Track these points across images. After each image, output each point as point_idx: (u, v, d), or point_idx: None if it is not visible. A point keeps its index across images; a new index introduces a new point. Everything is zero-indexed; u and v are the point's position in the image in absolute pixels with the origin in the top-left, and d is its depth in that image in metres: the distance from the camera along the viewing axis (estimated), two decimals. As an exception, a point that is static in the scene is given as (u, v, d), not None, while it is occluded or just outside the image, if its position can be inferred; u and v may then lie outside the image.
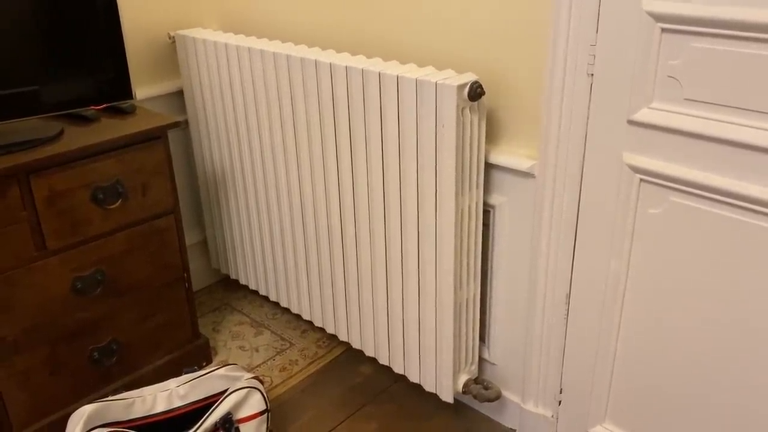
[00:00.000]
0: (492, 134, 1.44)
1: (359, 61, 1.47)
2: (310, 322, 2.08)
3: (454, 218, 1.38)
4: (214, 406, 1.44)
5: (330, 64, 1.49)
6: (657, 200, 1.20)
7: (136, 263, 1.64)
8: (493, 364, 1.65)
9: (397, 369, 1.69)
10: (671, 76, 1.11)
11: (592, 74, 1.21)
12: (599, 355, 1.40)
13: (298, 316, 2.11)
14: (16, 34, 1.39)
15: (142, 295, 1.68)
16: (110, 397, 1.46)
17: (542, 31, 1.28)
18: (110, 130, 1.54)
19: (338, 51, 1.71)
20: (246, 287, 2.27)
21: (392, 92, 1.39)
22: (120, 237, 1.59)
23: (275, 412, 1.73)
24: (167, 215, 1.68)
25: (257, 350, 1.97)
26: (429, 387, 1.62)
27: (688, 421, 1.30)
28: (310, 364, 1.91)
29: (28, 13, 1.39)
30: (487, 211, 1.50)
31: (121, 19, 1.50)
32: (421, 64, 1.52)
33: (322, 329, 2.04)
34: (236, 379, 1.52)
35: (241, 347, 1.99)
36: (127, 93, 1.56)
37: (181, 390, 1.51)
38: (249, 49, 1.67)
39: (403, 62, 1.56)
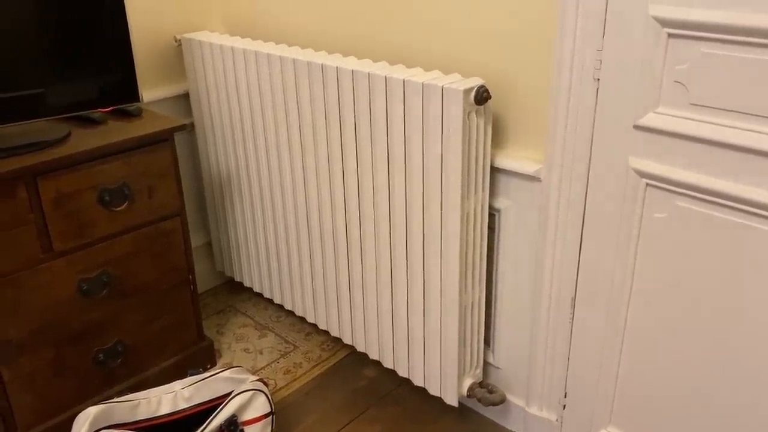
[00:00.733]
0: (498, 138, 1.45)
1: (365, 65, 1.47)
2: (314, 325, 2.08)
3: (459, 221, 1.39)
4: (218, 409, 1.44)
5: (336, 67, 1.49)
6: (663, 205, 1.20)
7: (142, 265, 1.65)
8: (498, 367, 1.65)
9: (402, 372, 1.69)
10: (677, 81, 1.12)
11: (599, 79, 1.21)
12: (604, 359, 1.40)
13: (302, 319, 2.12)
14: (24, 37, 1.39)
15: (147, 297, 1.69)
16: (115, 399, 1.46)
17: (548, 36, 1.28)
18: (117, 132, 1.55)
19: (344, 55, 1.71)
20: (250, 290, 2.27)
21: (398, 96, 1.39)
22: (126, 239, 1.60)
23: (280, 415, 1.74)
24: (173, 218, 1.68)
25: (261, 353, 1.98)
26: (433, 390, 1.62)
27: (693, 425, 1.30)
28: (314, 366, 1.91)
29: (35, 15, 1.40)
30: (492, 214, 1.50)
31: (128, 22, 1.51)
32: (427, 68, 1.53)
33: (326, 332, 2.04)
34: (241, 381, 1.52)
35: (245, 350, 1.99)
36: (134, 96, 1.57)
37: (186, 392, 1.51)
38: (255, 52, 1.68)
39: (409, 66, 1.57)
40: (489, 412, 1.72)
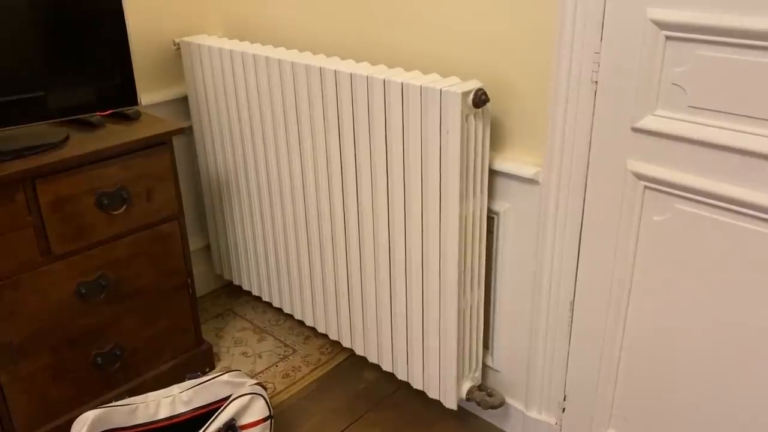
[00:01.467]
0: (496, 141, 1.45)
1: (364, 68, 1.47)
2: (313, 329, 2.08)
3: (458, 225, 1.39)
4: (217, 413, 1.44)
5: (335, 71, 1.49)
6: (661, 207, 1.21)
7: (140, 269, 1.65)
8: (497, 370, 1.65)
9: (401, 375, 1.69)
10: (675, 84, 1.12)
11: (597, 81, 1.21)
12: (603, 362, 1.40)
13: (301, 323, 2.11)
14: (22, 41, 1.40)
15: (146, 300, 1.69)
16: (114, 403, 1.46)
17: (547, 39, 1.28)
18: (115, 136, 1.55)
19: (343, 58, 1.71)
20: (249, 293, 2.27)
21: (397, 99, 1.39)
22: (124, 242, 1.60)
23: (278, 419, 1.73)
24: (171, 221, 1.68)
25: (260, 356, 1.97)
26: (432, 394, 1.62)
27: (692, 428, 1.30)
28: (313, 370, 1.91)
29: (34, 19, 1.40)
30: (491, 217, 1.50)
31: (127, 26, 1.51)
32: (425, 72, 1.53)
33: (325, 335, 2.04)
34: (239, 385, 1.52)
35: (244, 353, 1.99)
36: (133, 99, 1.57)
37: (185, 396, 1.51)
38: (254, 56, 1.68)
39: (407, 69, 1.57)
40: (488, 416, 1.71)
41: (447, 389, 1.58)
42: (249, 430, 1.46)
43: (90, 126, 1.62)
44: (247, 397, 1.46)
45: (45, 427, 1.57)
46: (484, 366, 1.67)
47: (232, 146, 1.89)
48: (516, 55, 1.35)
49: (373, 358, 1.75)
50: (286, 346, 2.02)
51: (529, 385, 1.57)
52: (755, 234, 1.10)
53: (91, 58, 1.49)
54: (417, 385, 1.65)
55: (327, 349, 1.99)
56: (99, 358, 1.62)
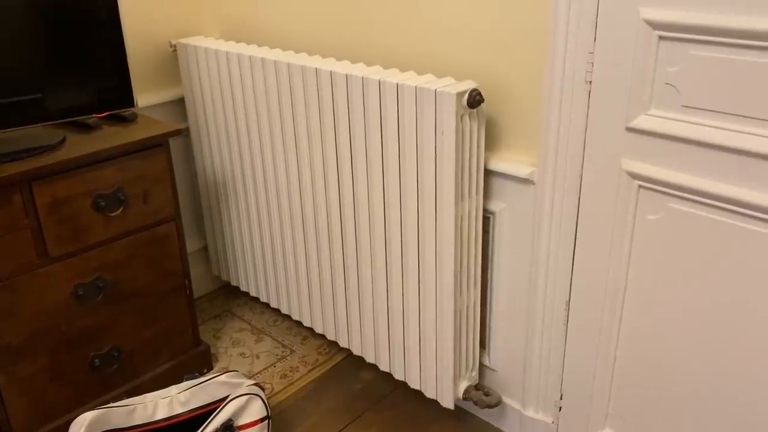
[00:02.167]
0: (491, 141, 1.45)
1: (359, 69, 1.48)
2: (310, 329, 2.09)
3: (453, 225, 1.39)
4: (215, 413, 1.44)
5: (330, 72, 1.50)
6: (656, 206, 1.21)
7: (138, 270, 1.65)
8: (494, 370, 1.65)
9: (398, 375, 1.69)
10: (669, 84, 1.12)
11: (591, 81, 1.22)
12: (599, 361, 1.40)
13: (298, 323, 2.12)
14: (19, 43, 1.40)
15: (143, 302, 1.69)
16: (111, 404, 1.46)
17: (541, 39, 1.29)
18: (112, 137, 1.55)
19: (338, 59, 1.72)
20: (247, 294, 2.27)
21: (392, 100, 1.39)
22: (121, 244, 1.60)
23: (276, 419, 1.74)
24: (168, 222, 1.68)
25: (258, 357, 1.98)
26: (430, 393, 1.63)
27: (688, 427, 1.30)
28: (310, 370, 1.91)
29: (31, 21, 1.40)
30: (486, 217, 1.51)
31: (123, 28, 1.51)
32: (420, 72, 1.53)
33: (322, 336, 2.04)
34: (237, 385, 1.53)
35: (241, 354, 1.99)
36: (129, 101, 1.57)
37: (182, 397, 1.51)
38: (250, 57, 1.68)
39: (403, 70, 1.57)
40: (485, 415, 1.72)
41: (444, 389, 1.58)
42: (247, 430, 1.46)
43: (86, 128, 1.63)
44: (245, 398, 1.47)
45: (43, 428, 1.57)
46: (481, 365, 1.67)
47: (228, 148, 1.89)
48: (510, 56, 1.35)
49: (370, 358, 1.76)
50: (283, 346, 2.02)
51: (525, 384, 1.57)
52: (749, 233, 1.10)
53: (88, 60, 1.49)
54: (414, 384, 1.66)
55: (324, 349, 2.00)
56: (97, 360, 1.62)
